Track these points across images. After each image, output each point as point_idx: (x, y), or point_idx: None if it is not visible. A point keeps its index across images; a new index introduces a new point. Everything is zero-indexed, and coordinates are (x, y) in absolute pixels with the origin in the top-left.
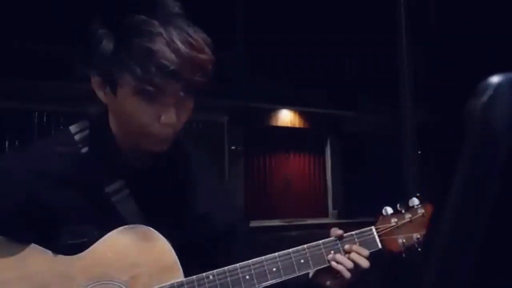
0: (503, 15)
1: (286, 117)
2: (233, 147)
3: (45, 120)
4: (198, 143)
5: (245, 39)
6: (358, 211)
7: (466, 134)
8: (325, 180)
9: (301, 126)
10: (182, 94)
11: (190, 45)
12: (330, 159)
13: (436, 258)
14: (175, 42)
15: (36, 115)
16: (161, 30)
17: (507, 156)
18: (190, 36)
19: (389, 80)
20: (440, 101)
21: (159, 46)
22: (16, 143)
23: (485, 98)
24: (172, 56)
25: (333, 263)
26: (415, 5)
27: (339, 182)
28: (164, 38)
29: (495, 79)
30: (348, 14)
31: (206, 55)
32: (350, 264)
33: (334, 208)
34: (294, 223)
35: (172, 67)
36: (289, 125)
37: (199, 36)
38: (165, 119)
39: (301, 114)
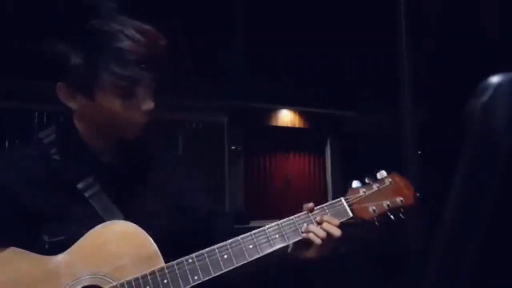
0: (503, 15)
1: (286, 117)
2: (233, 147)
3: (45, 120)
4: (198, 143)
5: (245, 39)
6: None
7: (466, 134)
8: (325, 180)
9: (301, 126)
10: (154, 80)
11: (147, 35)
12: (330, 159)
13: (437, 258)
14: (135, 35)
15: (36, 115)
16: (118, 27)
17: (507, 156)
18: (141, 27)
19: (389, 80)
20: (440, 101)
21: (125, 43)
22: (16, 143)
23: (485, 98)
24: (139, 48)
25: (307, 234)
26: (415, 5)
27: (339, 182)
28: (125, 35)
29: (495, 79)
30: (348, 14)
31: (162, 40)
32: (322, 233)
33: None
34: None
35: (142, 59)
36: (289, 125)
37: (145, 26)
38: (145, 107)
39: (301, 114)
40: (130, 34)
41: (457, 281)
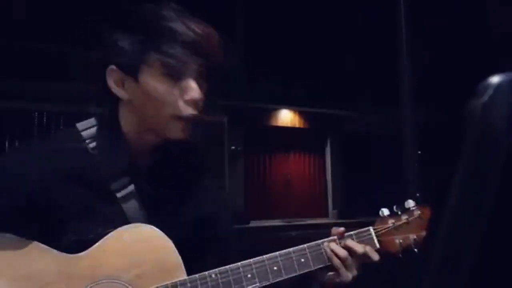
0: (503, 15)
1: (286, 117)
2: (233, 147)
3: (45, 120)
4: (198, 143)
5: (245, 39)
6: (358, 211)
7: (466, 134)
8: (325, 180)
9: (301, 126)
10: (204, 74)
11: (203, 28)
12: (330, 159)
13: (437, 258)
14: (191, 25)
15: (36, 115)
16: (175, 15)
17: (507, 156)
18: (200, 23)
19: (389, 80)
20: (440, 101)
21: (180, 26)
22: (16, 143)
23: (485, 98)
24: (192, 34)
25: (332, 259)
26: (415, 5)
27: (339, 182)
28: (181, 22)
29: (495, 79)
30: (348, 14)
31: (217, 37)
32: (344, 253)
33: (334, 208)
34: (294, 223)
35: (193, 44)
36: (289, 125)
37: (206, 24)
38: (188, 96)
39: (301, 114)
40: (184, 19)
41: (457, 280)
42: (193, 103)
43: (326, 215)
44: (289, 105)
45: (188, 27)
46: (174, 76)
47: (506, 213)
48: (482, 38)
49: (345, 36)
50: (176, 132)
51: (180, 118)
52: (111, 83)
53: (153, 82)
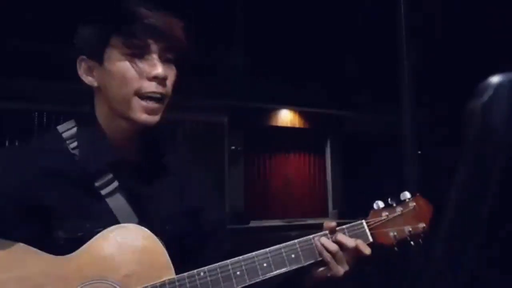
0: (502, 15)
1: (286, 117)
2: (233, 147)
3: (45, 120)
4: (198, 143)
5: (245, 39)
6: (358, 211)
7: (466, 134)
8: (325, 180)
9: (301, 126)
10: (168, 53)
11: (165, 14)
12: (330, 159)
13: (437, 257)
14: (152, 9)
15: (36, 115)
16: (138, 1)
17: (507, 156)
18: (162, 10)
19: (389, 80)
20: (440, 101)
21: (140, 9)
22: (16, 143)
23: (485, 98)
24: (153, 16)
25: (322, 253)
26: (415, 5)
27: (339, 182)
28: (142, 6)
29: (495, 79)
30: (348, 14)
31: (180, 22)
32: (334, 247)
33: (334, 208)
34: (294, 223)
35: (154, 26)
36: (289, 125)
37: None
38: (152, 72)
39: (301, 114)
40: (146, 5)
41: (457, 280)
42: (156, 80)
43: (326, 215)
44: (289, 105)
45: (149, 11)
46: (136, 54)
47: (506, 212)
48: (482, 38)
49: (345, 36)
50: (141, 112)
51: (143, 96)
52: (81, 72)
53: (116, 63)
